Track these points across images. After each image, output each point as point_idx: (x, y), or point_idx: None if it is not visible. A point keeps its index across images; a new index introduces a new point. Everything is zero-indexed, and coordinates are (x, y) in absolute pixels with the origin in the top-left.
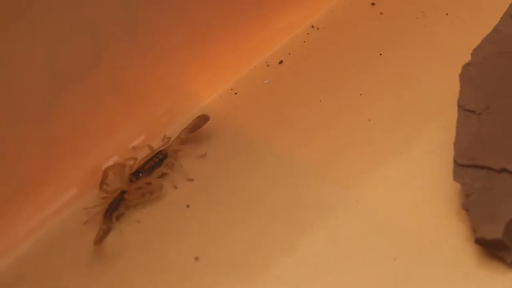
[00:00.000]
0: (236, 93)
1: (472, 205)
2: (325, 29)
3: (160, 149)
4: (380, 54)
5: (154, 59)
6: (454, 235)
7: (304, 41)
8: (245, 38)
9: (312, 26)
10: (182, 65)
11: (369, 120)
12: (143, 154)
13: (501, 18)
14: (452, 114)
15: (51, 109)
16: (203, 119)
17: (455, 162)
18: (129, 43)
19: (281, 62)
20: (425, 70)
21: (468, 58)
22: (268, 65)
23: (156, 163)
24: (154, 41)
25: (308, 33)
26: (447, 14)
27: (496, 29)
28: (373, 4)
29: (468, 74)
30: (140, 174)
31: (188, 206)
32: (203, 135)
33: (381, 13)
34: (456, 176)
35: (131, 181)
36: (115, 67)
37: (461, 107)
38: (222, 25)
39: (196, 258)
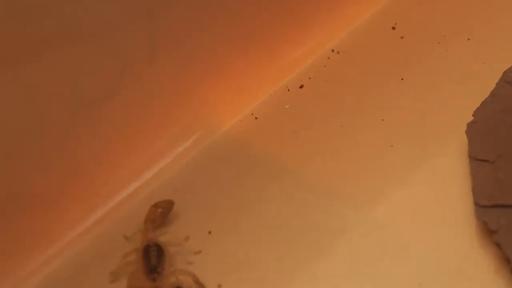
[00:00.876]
0: (256, 118)
1: (503, 239)
2: (345, 53)
3: (145, 244)
4: (402, 79)
5: (173, 85)
6: (480, 262)
7: (325, 65)
8: (266, 63)
9: (333, 50)
10: (201, 91)
11: (392, 145)
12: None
13: (497, 84)
14: None
15: (70, 134)
16: (167, 206)
17: (476, 204)
18: (149, 70)
19: (301, 86)
20: (447, 95)
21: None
22: (288, 90)
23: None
24: (174, 67)
25: (328, 57)
26: (468, 39)
27: (493, 94)
28: (393, 28)
29: (474, 130)
30: (158, 269)
31: (210, 232)
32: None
33: (402, 37)
34: (479, 215)
35: (154, 279)
36: (134, 93)
37: (473, 158)
38: (242, 51)
39: (219, 285)
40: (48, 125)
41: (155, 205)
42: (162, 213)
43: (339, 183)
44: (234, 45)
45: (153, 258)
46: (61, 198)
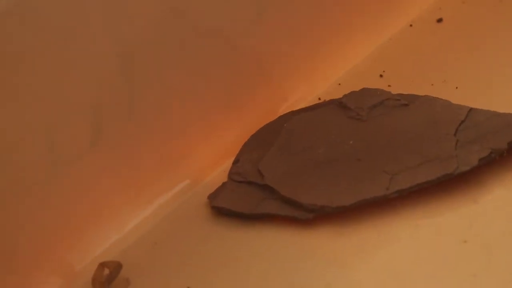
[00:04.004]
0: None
1: None
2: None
3: None
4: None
5: (152, 136)
6: None
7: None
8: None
9: (319, 99)
10: (182, 140)
11: None
12: None
13: None
14: None
15: (46, 191)
16: (115, 269)
17: None
18: (127, 122)
19: None
20: None
21: None
22: None
23: None
24: (152, 118)
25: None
26: (456, 87)
27: None
28: (381, 76)
29: None
30: None
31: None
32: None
33: (389, 86)
34: None
35: None
36: (114, 147)
37: None
38: (220, 100)
39: None
40: (24, 178)
41: (102, 264)
42: (109, 274)
43: (322, 240)
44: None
45: None
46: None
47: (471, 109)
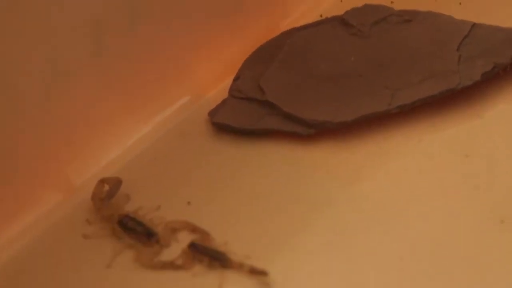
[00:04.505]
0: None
1: None
2: None
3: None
4: None
5: (153, 51)
6: (460, 238)
7: None
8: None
9: None
10: (183, 56)
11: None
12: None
13: None
14: None
15: (46, 106)
16: (115, 184)
17: None
18: (128, 35)
19: None
20: None
21: None
22: None
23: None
24: (154, 33)
25: None
26: (460, 3)
27: None
28: None
29: None
30: (152, 232)
31: (189, 203)
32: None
33: (391, 2)
34: None
35: (157, 241)
36: (114, 61)
37: None
38: (222, 15)
39: None
40: (25, 95)
41: (102, 181)
42: (109, 191)
43: (324, 155)
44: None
45: (136, 226)
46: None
47: (474, 24)
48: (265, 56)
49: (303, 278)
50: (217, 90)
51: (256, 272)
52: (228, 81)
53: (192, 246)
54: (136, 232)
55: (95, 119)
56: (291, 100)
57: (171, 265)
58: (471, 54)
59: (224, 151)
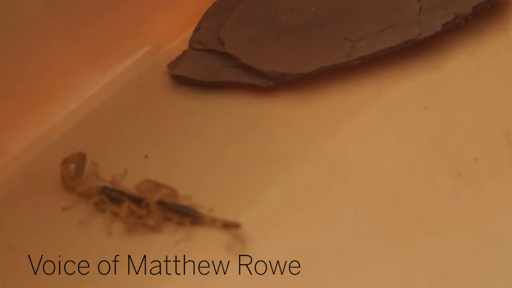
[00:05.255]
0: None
1: None
2: None
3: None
4: None
5: (113, 2)
6: (417, 192)
7: None
8: None
9: None
10: (144, 6)
11: None
12: None
13: None
14: None
15: (3, 54)
16: (79, 160)
17: None
18: None
19: None
20: None
21: None
22: None
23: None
24: None
25: None
26: None
27: None
28: None
29: None
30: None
31: (146, 156)
32: None
33: None
34: None
35: (147, 206)
36: (72, 11)
37: None
38: None
39: None
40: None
41: (66, 161)
42: (76, 168)
43: (283, 108)
44: None
45: (121, 196)
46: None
47: None
48: (226, 7)
49: (266, 232)
50: (178, 41)
51: (229, 226)
52: (189, 32)
53: (161, 204)
54: (123, 200)
55: (52, 71)
56: (251, 52)
57: (143, 226)
58: (431, 4)
59: (182, 104)
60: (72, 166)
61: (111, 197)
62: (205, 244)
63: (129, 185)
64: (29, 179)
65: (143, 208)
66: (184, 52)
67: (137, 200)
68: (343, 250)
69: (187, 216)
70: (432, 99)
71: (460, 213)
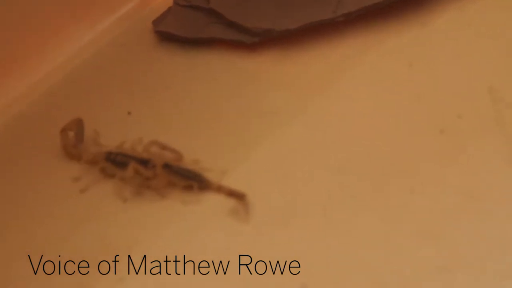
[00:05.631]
0: None
1: None
2: None
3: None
4: None
5: None
6: (400, 149)
7: None
8: None
9: None
10: None
11: None
12: None
13: None
14: None
15: None
16: (77, 126)
17: None
18: None
19: None
20: None
21: None
22: None
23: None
24: None
25: None
26: None
27: None
28: None
29: None
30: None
31: (129, 113)
32: None
33: None
34: None
35: (154, 166)
36: None
37: None
38: None
39: None
40: None
41: (64, 130)
42: (76, 135)
43: (268, 65)
44: None
45: (127, 159)
46: None
47: None
48: None
49: (254, 187)
50: None
51: (235, 195)
52: None
53: (167, 167)
54: (129, 163)
55: (36, 26)
56: (236, 8)
57: (149, 188)
58: None
59: (167, 60)
60: (71, 134)
61: (117, 162)
62: (211, 208)
63: (111, 142)
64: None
65: (150, 169)
66: (169, 9)
67: (143, 162)
68: (326, 206)
69: (193, 181)
70: (417, 56)
71: (442, 170)
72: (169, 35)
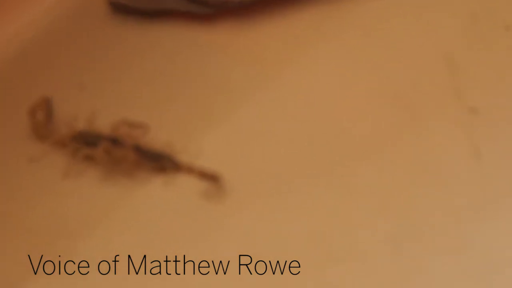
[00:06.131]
0: None
1: None
2: None
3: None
4: None
5: None
6: (356, 118)
7: None
8: None
9: None
10: None
11: None
12: None
13: None
14: None
15: None
16: (45, 105)
17: None
18: None
19: None
20: None
21: None
22: None
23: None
24: None
25: None
26: None
27: None
28: None
29: None
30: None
31: (82, 86)
32: None
33: None
34: None
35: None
36: None
37: None
38: None
39: None
40: None
41: (32, 110)
42: (45, 114)
43: (225, 37)
44: None
45: (96, 139)
46: None
47: None
48: None
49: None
50: None
51: (206, 177)
52: None
53: (137, 149)
54: (100, 143)
55: None
56: None
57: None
58: None
59: (121, 33)
60: (40, 114)
61: (87, 142)
62: (182, 191)
63: (65, 117)
64: None
65: (119, 147)
66: None
67: (114, 141)
68: (289, 181)
69: (162, 162)
70: (373, 25)
71: (396, 139)
72: (123, 6)
